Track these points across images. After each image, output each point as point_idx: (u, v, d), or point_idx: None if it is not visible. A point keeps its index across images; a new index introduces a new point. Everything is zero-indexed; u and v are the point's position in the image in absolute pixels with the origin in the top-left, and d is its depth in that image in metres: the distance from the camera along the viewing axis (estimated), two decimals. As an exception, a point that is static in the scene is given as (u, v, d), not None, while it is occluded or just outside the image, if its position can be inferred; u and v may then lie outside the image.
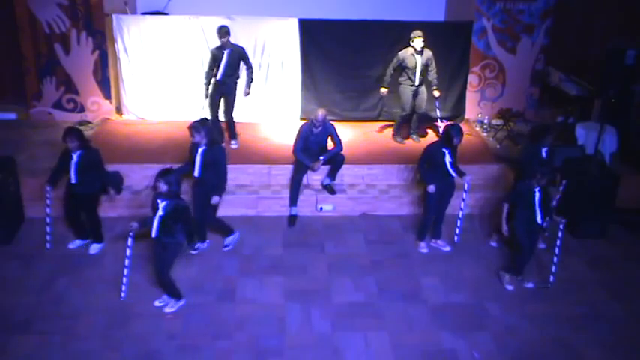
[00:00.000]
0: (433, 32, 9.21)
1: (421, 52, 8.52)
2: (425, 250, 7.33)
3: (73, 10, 9.03)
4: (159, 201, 5.81)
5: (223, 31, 7.98)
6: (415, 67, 8.55)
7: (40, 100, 9.49)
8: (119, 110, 9.76)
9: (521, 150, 7.60)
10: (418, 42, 8.43)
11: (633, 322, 6.29)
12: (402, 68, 8.65)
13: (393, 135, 9.11)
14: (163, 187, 5.73)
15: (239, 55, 8.22)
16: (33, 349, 5.62)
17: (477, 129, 9.66)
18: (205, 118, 6.87)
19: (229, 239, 7.21)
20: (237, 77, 8.40)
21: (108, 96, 9.59)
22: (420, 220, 7.49)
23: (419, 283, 6.73)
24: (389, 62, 8.98)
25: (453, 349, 5.82)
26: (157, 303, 6.23)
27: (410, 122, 9.08)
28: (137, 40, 9.15)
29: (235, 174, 8.11)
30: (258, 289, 6.55)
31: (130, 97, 9.51)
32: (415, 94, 8.77)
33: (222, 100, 8.41)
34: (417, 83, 8.67)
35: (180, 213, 5.82)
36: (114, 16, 9.11)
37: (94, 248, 7.10)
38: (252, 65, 8.44)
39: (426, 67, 8.64)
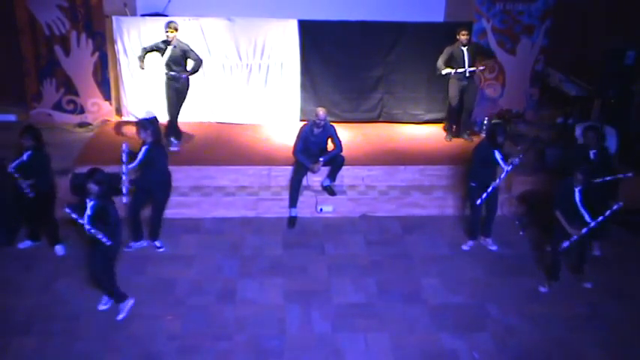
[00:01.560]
0: (433, 33, 9.24)
1: (467, 45, 8.67)
2: (467, 248, 7.37)
3: (72, 11, 9.03)
4: (87, 200, 5.69)
5: (172, 26, 8.06)
6: (463, 60, 8.68)
7: (40, 102, 9.49)
8: (119, 112, 9.77)
9: (569, 151, 7.73)
10: (464, 36, 8.61)
11: (633, 322, 6.29)
12: (451, 62, 8.77)
13: (446, 131, 9.26)
14: (94, 188, 5.62)
15: (182, 52, 8.21)
16: (33, 350, 5.62)
17: (476, 129, 9.64)
18: (155, 118, 6.92)
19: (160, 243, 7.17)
20: (189, 71, 8.32)
21: (108, 97, 9.59)
22: (467, 220, 7.54)
23: (419, 284, 6.73)
24: (389, 63, 9.02)
25: (453, 349, 5.83)
26: (100, 307, 6.15)
27: (459, 119, 9.16)
28: (137, 42, 9.15)
29: (235, 175, 8.13)
30: (258, 290, 6.55)
31: (129, 98, 9.52)
32: (464, 89, 8.88)
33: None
34: (466, 75, 8.78)
35: (106, 214, 5.66)
36: (114, 18, 9.11)
37: (59, 250, 7.05)
38: (201, 58, 8.38)
39: (473, 60, 8.78)
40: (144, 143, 6.76)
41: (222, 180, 8.11)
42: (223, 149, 8.69)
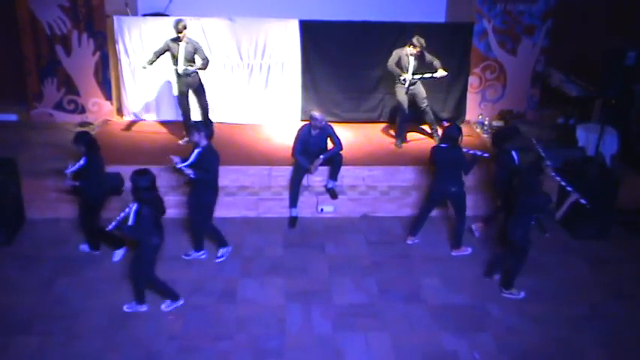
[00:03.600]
0: (434, 33, 9.22)
1: (415, 56, 8.53)
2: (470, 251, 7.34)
3: (74, 11, 9.04)
4: (131, 203, 5.76)
5: (181, 25, 8.13)
6: (408, 67, 8.56)
7: (40, 102, 9.50)
8: (120, 111, 9.77)
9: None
10: (412, 49, 8.44)
11: (634, 322, 6.29)
12: (399, 66, 8.63)
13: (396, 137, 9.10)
14: (131, 187, 5.71)
15: (194, 49, 8.31)
16: (34, 349, 5.63)
17: (478, 130, 9.65)
18: (210, 120, 6.84)
19: (223, 250, 7.10)
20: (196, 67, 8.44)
21: (109, 97, 9.60)
22: (457, 228, 7.28)
23: (419, 284, 6.73)
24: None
25: (454, 349, 5.82)
26: (163, 307, 6.20)
27: (408, 123, 9.04)
28: (138, 42, 9.17)
29: (236, 175, 8.12)
30: (259, 290, 6.55)
31: (130, 98, 9.52)
32: (408, 91, 8.73)
33: (192, 94, 8.55)
34: (407, 84, 8.65)
35: (141, 217, 5.69)
36: (115, 18, 9.12)
37: (84, 248, 7.09)
38: (208, 58, 8.45)
39: (422, 65, 8.64)
40: (196, 146, 6.67)
41: (222, 180, 8.04)
42: (224, 149, 8.62)
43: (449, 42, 9.40)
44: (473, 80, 9.89)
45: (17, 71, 9.43)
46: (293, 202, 7.79)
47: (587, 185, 7.53)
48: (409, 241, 7.48)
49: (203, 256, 7.08)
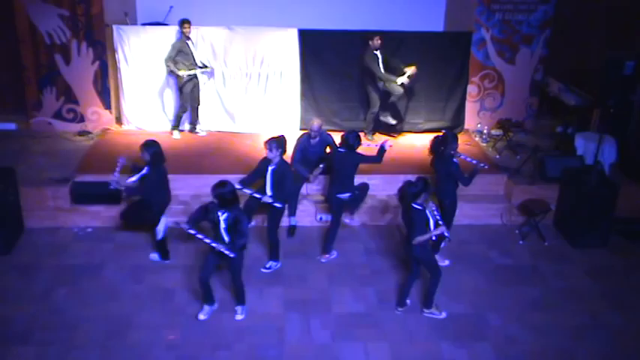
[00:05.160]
0: (433, 43, 9.26)
1: (379, 49, 8.84)
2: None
3: (73, 20, 9.06)
4: (219, 213, 5.82)
5: (186, 23, 8.74)
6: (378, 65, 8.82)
7: (40, 111, 9.50)
8: (119, 120, 9.78)
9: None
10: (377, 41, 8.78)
11: (634, 331, 6.28)
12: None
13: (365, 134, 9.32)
14: (217, 201, 5.80)
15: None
16: (31, 359, 5.60)
17: (477, 139, 9.66)
18: (283, 136, 6.79)
19: (271, 264, 7.09)
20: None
21: (108, 106, 9.61)
22: (331, 233, 7.25)
23: (419, 294, 6.70)
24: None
25: (453, 359, 5.80)
26: (238, 317, 6.23)
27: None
28: (137, 51, 9.19)
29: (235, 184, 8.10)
30: (258, 299, 6.52)
31: (129, 107, 9.53)
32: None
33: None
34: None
35: (238, 222, 5.79)
36: (114, 27, 9.15)
37: (153, 257, 7.14)
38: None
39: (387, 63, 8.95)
40: (269, 162, 6.65)
41: (221, 189, 8.09)
42: (223, 158, 8.69)
43: (448, 51, 9.43)
44: (471, 89, 9.91)
45: (16, 80, 9.44)
46: (292, 210, 7.78)
47: (586, 194, 7.56)
48: (323, 260, 7.27)
49: (278, 266, 7.11)
